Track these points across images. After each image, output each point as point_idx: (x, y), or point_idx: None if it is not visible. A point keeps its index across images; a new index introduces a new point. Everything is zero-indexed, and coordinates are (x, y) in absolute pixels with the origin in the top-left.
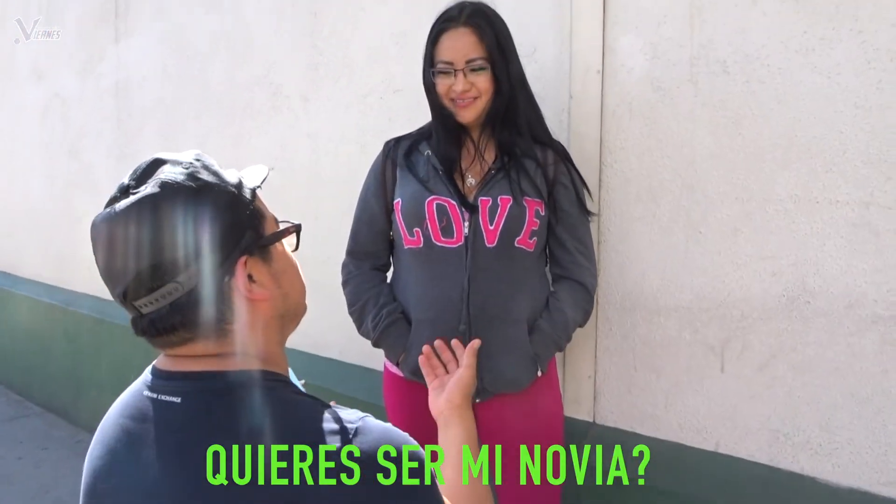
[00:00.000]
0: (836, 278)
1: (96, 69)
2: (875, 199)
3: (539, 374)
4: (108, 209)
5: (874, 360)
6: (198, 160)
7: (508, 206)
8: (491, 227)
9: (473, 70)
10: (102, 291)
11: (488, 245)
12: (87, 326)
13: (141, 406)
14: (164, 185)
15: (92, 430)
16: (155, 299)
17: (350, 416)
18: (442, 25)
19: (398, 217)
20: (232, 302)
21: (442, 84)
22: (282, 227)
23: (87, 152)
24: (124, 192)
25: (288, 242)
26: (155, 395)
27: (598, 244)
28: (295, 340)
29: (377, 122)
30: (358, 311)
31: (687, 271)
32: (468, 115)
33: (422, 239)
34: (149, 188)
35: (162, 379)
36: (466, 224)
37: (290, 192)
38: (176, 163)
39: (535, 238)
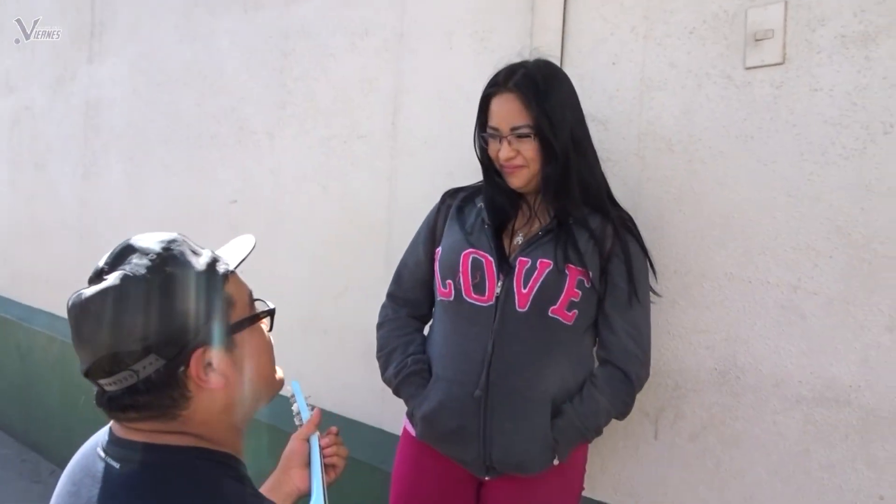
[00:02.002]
0: (764, 357)
1: (67, 86)
2: (802, 284)
3: (556, 462)
4: (78, 293)
5: (797, 440)
6: (167, 249)
7: (546, 270)
8: (524, 290)
9: (518, 137)
10: (58, 308)
11: (519, 309)
12: (41, 343)
13: (92, 463)
14: (125, 279)
15: (40, 450)
16: (112, 382)
17: None
18: (489, 90)
19: (436, 266)
20: (187, 389)
21: (492, 148)
22: (258, 306)
23: (52, 167)
24: (98, 275)
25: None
26: (103, 456)
27: None
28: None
29: (340, 165)
30: (385, 357)
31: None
32: (516, 181)
33: (453, 292)
34: (111, 279)
35: (111, 442)
36: (500, 283)
37: (251, 227)
38: (144, 253)
39: (575, 311)
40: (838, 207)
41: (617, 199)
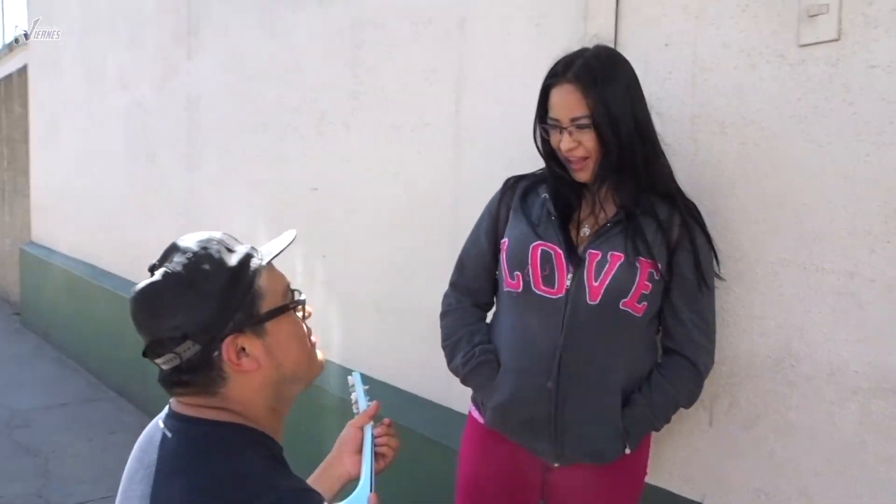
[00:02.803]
0: (819, 345)
1: (171, 82)
2: (859, 271)
3: (627, 451)
4: (135, 286)
5: (853, 431)
6: (203, 248)
7: (619, 263)
8: (596, 284)
9: (579, 128)
10: None
11: (590, 302)
12: None
13: (154, 433)
14: (165, 275)
15: None
16: (163, 362)
17: (290, 484)
18: (549, 81)
19: (503, 257)
20: (223, 370)
21: (553, 139)
22: (294, 296)
23: (162, 158)
24: (150, 270)
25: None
26: (162, 427)
27: None
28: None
29: (408, 153)
30: (451, 346)
31: None
32: (582, 176)
33: (522, 284)
34: (157, 275)
35: (169, 416)
36: (570, 276)
37: (329, 213)
38: (183, 252)
39: (645, 303)
40: None
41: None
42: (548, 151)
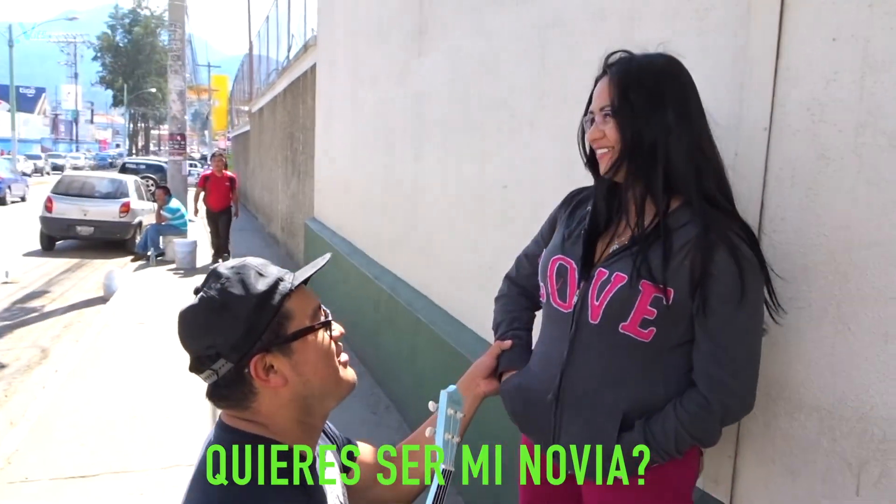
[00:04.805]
0: None
1: (405, 79)
2: None
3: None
4: (180, 308)
5: None
6: (237, 274)
7: (620, 285)
8: (596, 303)
9: (605, 117)
10: (399, 270)
11: (591, 321)
12: (384, 299)
13: (209, 435)
14: (202, 299)
15: (382, 387)
16: (205, 377)
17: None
18: (596, 79)
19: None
20: (253, 386)
21: (588, 133)
22: (322, 318)
23: (397, 151)
24: (195, 293)
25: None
26: (212, 433)
27: None
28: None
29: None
30: (495, 328)
31: (831, 371)
32: (603, 165)
33: (545, 295)
34: (196, 299)
35: (216, 422)
36: (578, 292)
37: (518, 211)
38: (218, 278)
39: (652, 329)
40: None
41: (828, 205)
42: (590, 158)
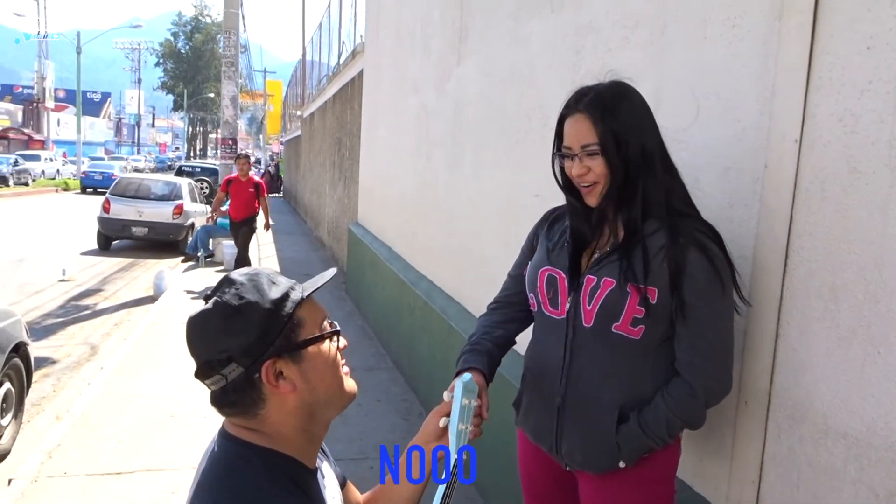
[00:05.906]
0: None
1: (445, 86)
2: None
3: (622, 465)
4: (189, 313)
5: None
6: (251, 281)
7: (609, 289)
8: (588, 307)
9: (588, 155)
10: (434, 276)
11: (585, 325)
12: (419, 305)
13: (211, 445)
14: (215, 304)
15: (416, 392)
16: (211, 383)
17: None
18: (563, 112)
19: (526, 280)
20: (262, 392)
21: (567, 167)
22: (327, 328)
23: (435, 158)
24: (206, 299)
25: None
26: (214, 440)
27: (776, 338)
28: None
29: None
30: (468, 339)
31: (860, 395)
32: (592, 200)
33: (536, 305)
34: (209, 304)
35: (219, 431)
36: (570, 299)
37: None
38: (232, 283)
39: (641, 326)
40: None
41: (859, 220)
42: (566, 182)
